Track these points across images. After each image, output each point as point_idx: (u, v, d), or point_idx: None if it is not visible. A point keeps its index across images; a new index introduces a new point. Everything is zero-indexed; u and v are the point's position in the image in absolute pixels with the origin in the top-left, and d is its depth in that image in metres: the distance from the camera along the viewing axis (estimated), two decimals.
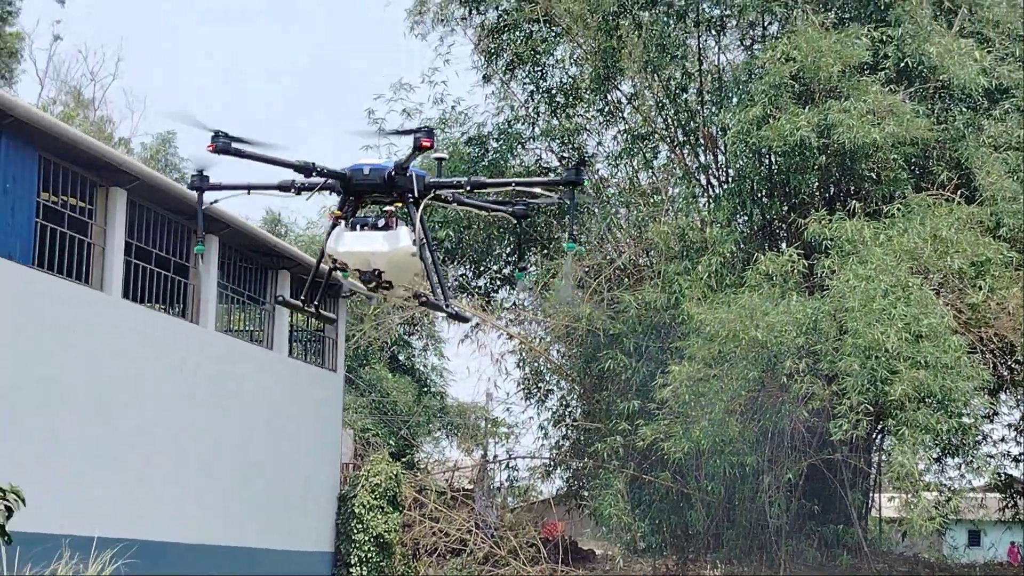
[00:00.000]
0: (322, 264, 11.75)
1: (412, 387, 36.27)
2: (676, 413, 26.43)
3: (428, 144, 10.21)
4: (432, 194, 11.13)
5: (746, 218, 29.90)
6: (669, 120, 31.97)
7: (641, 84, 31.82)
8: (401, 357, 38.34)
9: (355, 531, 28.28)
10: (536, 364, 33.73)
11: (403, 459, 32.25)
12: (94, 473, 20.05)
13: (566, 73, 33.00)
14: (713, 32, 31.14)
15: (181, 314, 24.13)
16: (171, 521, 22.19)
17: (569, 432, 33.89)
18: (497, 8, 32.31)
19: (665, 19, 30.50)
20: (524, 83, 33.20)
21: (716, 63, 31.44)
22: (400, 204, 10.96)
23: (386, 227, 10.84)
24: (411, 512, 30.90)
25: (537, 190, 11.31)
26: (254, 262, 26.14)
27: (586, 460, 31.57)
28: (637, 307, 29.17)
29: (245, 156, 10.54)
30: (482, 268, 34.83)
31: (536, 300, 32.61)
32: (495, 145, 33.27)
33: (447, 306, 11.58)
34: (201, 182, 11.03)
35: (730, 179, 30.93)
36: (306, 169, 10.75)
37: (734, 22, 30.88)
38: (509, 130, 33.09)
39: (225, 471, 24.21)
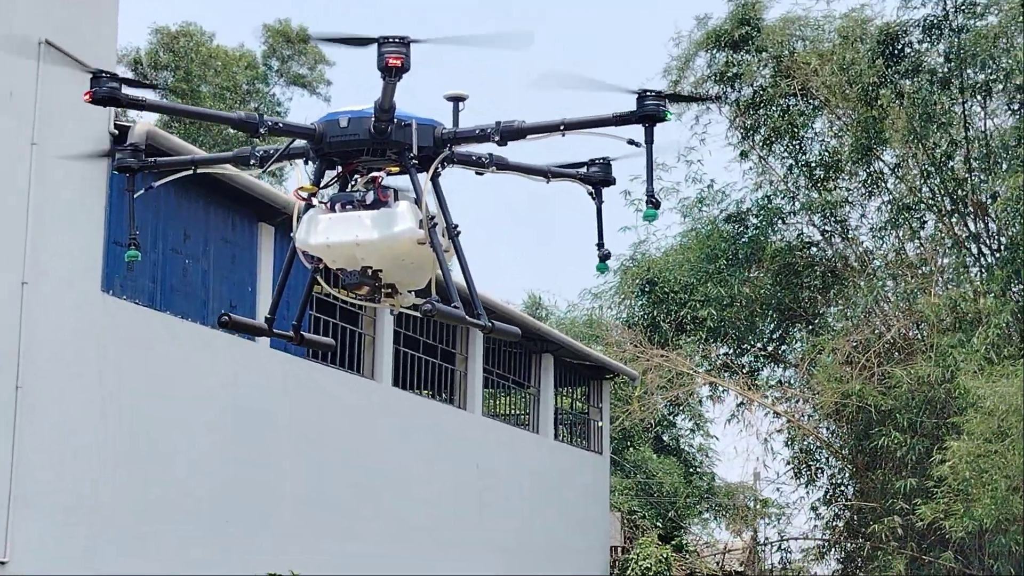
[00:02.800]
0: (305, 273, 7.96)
1: (678, 468, 35.92)
2: (956, 491, 25.45)
3: (397, 62, 6.51)
4: (447, 152, 7.25)
5: (1021, 287, 28.79)
6: (935, 189, 31.14)
7: (905, 153, 31.11)
8: (666, 438, 38.05)
9: None
10: (806, 442, 33.04)
11: (672, 542, 31.87)
12: (361, 554, 20.40)
13: (825, 146, 32.55)
14: (979, 98, 30.27)
15: (449, 400, 24.52)
16: None
17: (842, 512, 33.00)
18: (752, 84, 32.14)
19: (928, 87, 29.81)
20: (782, 158, 32.87)
21: (983, 129, 30.52)
22: (397, 169, 7.25)
23: (376, 204, 7.10)
24: None
25: (598, 131, 7.13)
26: (518, 347, 26.42)
27: (862, 541, 30.66)
28: (909, 382, 28.33)
29: (148, 107, 7.41)
30: (745, 346, 34.44)
31: (803, 377, 32.01)
32: (755, 221, 33.00)
33: (476, 316, 7.37)
34: (131, 159, 7.63)
35: (1003, 247, 29.88)
36: (251, 125, 7.08)
37: (1000, 86, 29.97)
38: (768, 206, 32.79)
39: (493, 556, 24.33)
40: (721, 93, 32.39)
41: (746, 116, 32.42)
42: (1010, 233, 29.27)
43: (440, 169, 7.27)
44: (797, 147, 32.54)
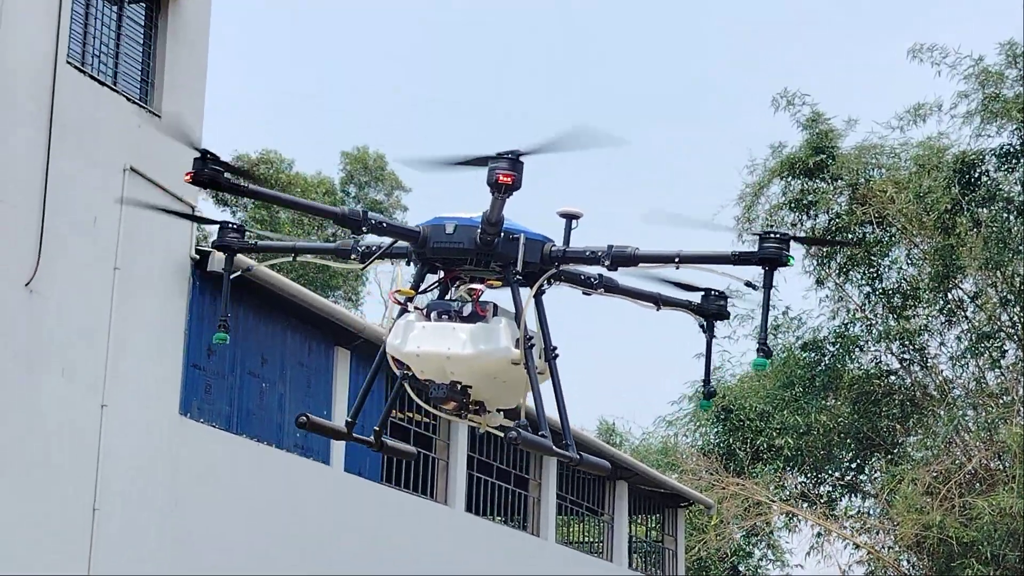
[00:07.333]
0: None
1: None
2: None
3: (508, 180, 6.24)
4: (554, 270, 6.96)
5: None
6: (1015, 317, 30.81)
7: (983, 281, 30.87)
8: (742, 568, 37.47)
9: None
10: (886, 574, 32.39)
11: None
12: None
13: (903, 273, 32.38)
14: None
15: (522, 526, 24.34)
16: None
17: None
18: (828, 212, 32.12)
19: (1004, 215, 29.65)
20: (859, 285, 32.71)
21: None
22: (500, 282, 6.92)
23: (473, 317, 6.81)
24: None
25: (714, 267, 6.79)
26: (592, 473, 26.24)
27: None
28: (992, 513, 27.78)
29: (249, 194, 6.84)
30: (823, 475, 34.01)
31: (882, 507, 31.50)
32: (831, 349, 32.74)
33: (565, 447, 7.00)
34: (230, 238, 7.34)
35: None
36: (354, 222, 6.82)
37: None
38: (846, 333, 32.55)
39: None
40: (796, 221, 32.37)
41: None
42: None
43: (545, 287, 6.99)
44: (874, 275, 32.39)
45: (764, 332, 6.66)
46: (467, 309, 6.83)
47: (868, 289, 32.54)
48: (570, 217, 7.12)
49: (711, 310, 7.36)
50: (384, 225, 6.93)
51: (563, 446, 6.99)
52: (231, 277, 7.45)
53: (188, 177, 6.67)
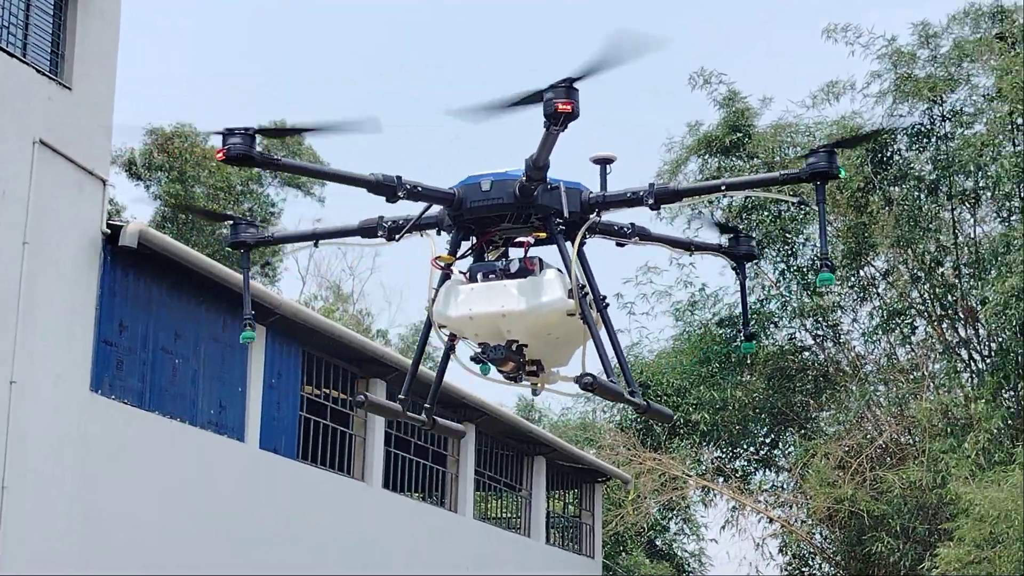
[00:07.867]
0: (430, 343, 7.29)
1: (671, 573, 35.64)
2: None
3: (568, 107, 5.93)
4: (595, 216, 6.79)
5: (1012, 393, 28.80)
6: (926, 294, 31.28)
7: (895, 259, 31.30)
8: (659, 543, 37.79)
9: None
10: (799, 547, 32.83)
11: None
12: None
13: (816, 251, 32.67)
14: (968, 204, 30.51)
15: (440, 503, 24.40)
16: None
17: None
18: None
19: (916, 193, 30.07)
20: (774, 262, 33.01)
21: (972, 235, 30.74)
22: (543, 235, 6.75)
23: (522, 272, 6.61)
24: None
25: (759, 192, 6.67)
26: (510, 449, 26.35)
27: None
28: (901, 487, 28.23)
29: (282, 167, 6.66)
30: (738, 450, 34.36)
31: (796, 481, 31.90)
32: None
33: (631, 394, 6.96)
34: (244, 234, 7.13)
35: (992, 353, 29.95)
36: (388, 188, 6.56)
37: (989, 194, 30.21)
38: (761, 310, 32.85)
39: None
40: (712, 199, 32.58)
41: (738, 220, 32.60)
42: (1000, 339, 29.33)
43: (585, 238, 6.82)
44: (789, 252, 32.71)
45: (825, 247, 6.71)
46: (514, 266, 6.64)
47: (783, 266, 32.85)
48: (604, 162, 7.01)
49: (741, 251, 7.48)
50: (419, 189, 6.68)
51: (631, 393, 6.97)
52: (250, 272, 7.33)
53: (220, 156, 6.45)
